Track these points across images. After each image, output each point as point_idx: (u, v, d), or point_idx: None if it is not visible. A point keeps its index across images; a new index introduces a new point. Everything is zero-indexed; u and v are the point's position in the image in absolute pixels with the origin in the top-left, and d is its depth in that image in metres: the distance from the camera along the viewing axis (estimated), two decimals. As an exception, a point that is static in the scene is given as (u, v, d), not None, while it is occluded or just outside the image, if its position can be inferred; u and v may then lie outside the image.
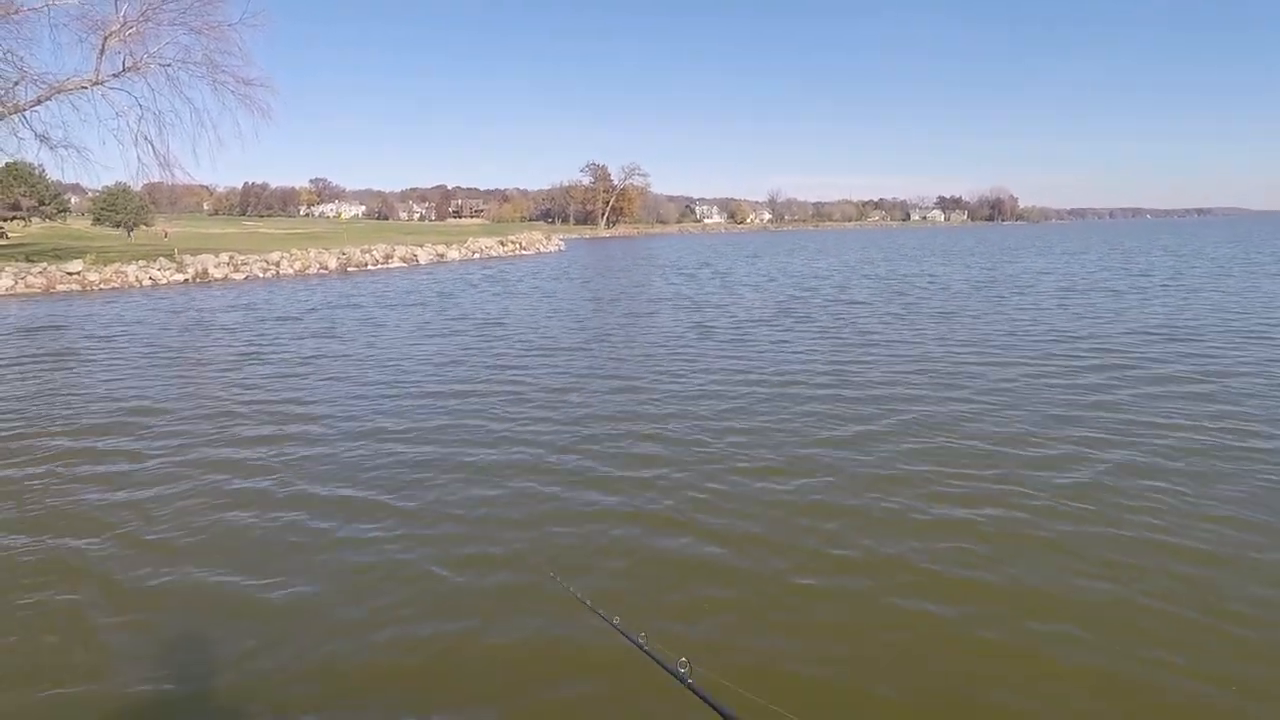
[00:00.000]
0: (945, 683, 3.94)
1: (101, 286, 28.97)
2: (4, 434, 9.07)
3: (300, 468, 7.54)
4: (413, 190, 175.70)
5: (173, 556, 5.61)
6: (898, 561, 5.27)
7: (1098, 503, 6.14)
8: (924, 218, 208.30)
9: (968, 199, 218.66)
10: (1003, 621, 4.51)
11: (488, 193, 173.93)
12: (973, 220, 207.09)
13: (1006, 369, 11.46)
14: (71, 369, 13.26)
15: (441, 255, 46.96)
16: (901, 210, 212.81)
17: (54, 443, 8.62)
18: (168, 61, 27.09)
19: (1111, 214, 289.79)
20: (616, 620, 2.21)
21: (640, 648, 2.08)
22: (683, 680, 1.97)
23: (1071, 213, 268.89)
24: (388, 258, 42.15)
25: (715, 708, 1.84)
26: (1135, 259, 39.47)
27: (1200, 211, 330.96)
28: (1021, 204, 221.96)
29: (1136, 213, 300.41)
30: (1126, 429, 8.08)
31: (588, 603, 2.36)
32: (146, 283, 30.34)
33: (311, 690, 3.97)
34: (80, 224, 60.28)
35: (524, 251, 57.84)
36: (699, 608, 4.72)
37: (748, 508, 6.27)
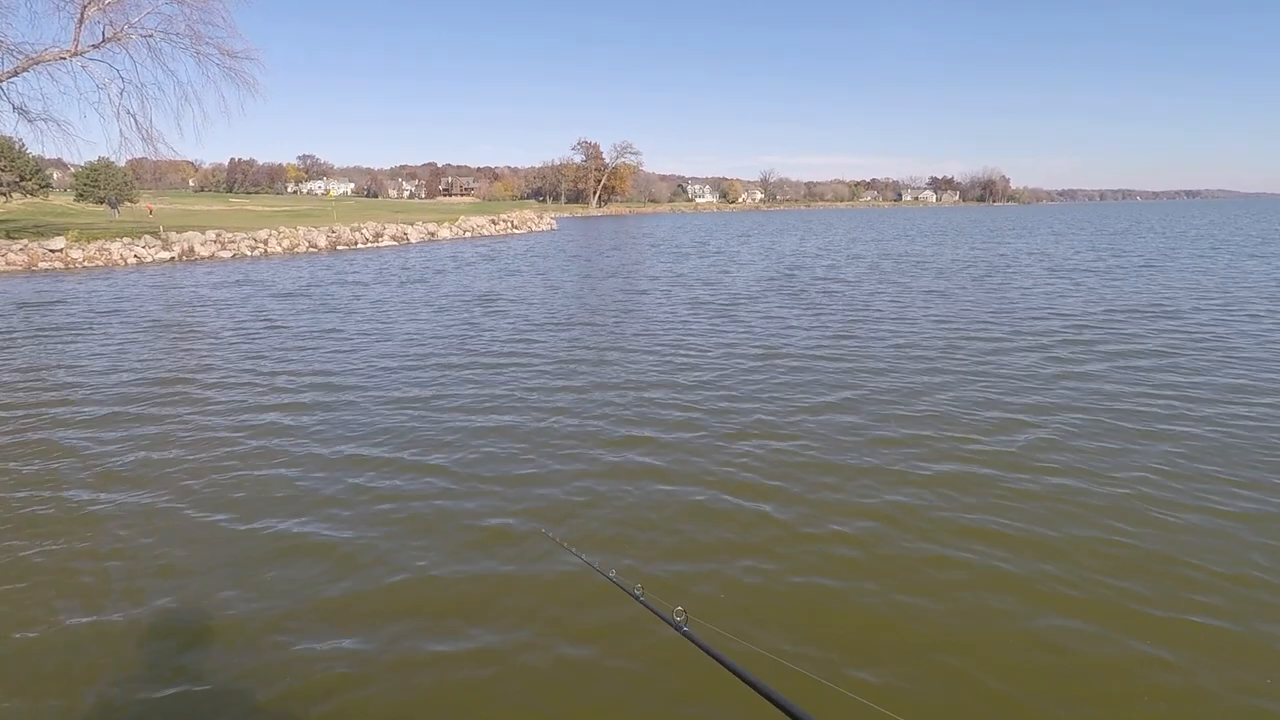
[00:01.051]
0: (938, 626, 4.03)
1: (85, 264, 28.55)
2: (34, 402, 9.21)
3: (324, 427, 7.84)
4: (402, 168, 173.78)
5: (204, 508, 5.85)
6: (894, 512, 5.42)
7: (1078, 459, 6.40)
8: (916, 198, 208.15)
9: (960, 180, 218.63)
10: (987, 566, 4.68)
11: (478, 170, 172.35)
12: (964, 201, 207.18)
13: (991, 342, 11.60)
14: (74, 343, 13.12)
15: (433, 234, 46.54)
16: (894, 190, 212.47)
17: (75, 411, 8.70)
18: (149, 32, 26.37)
19: (1102, 195, 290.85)
20: (613, 573, 2.24)
21: (637, 599, 2.11)
22: (679, 629, 2.00)
23: (1062, 194, 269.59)
24: (378, 236, 41.74)
25: (712, 654, 1.86)
26: (1121, 240, 39.67)
27: (1190, 194, 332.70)
28: (1013, 185, 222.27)
29: (1127, 194, 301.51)
30: (1110, 396, 8.28)
31: (583, 557, 2.38)
32: (131, 260, 29.93)
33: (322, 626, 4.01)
34: (62, 200, 59.26)
35: (516, 230, 57.41)
36: (694, 559, 4.83)
37: (742, 462, 6.45)
